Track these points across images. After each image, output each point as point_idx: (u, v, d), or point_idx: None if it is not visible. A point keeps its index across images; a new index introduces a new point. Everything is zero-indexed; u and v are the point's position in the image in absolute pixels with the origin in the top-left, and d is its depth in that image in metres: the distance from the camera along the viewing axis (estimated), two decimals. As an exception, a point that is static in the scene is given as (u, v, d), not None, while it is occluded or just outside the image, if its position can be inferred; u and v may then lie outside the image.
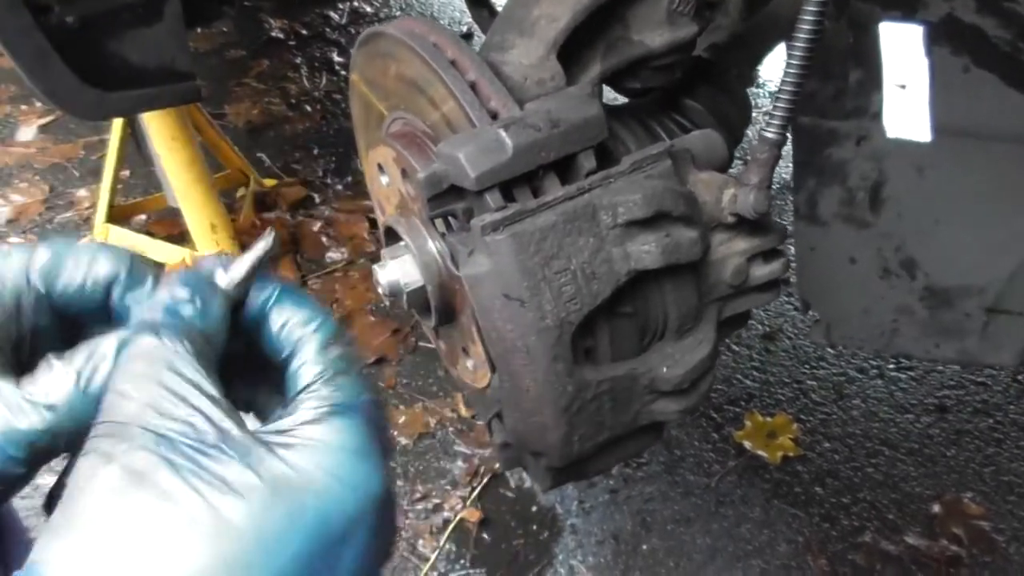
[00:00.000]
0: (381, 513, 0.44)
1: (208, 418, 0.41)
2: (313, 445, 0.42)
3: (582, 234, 0.91)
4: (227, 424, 0.41)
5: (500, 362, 0.96)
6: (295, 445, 0.42)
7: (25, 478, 0.48)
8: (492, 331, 0.93)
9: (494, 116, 0.97)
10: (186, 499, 0.39)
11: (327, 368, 0.47)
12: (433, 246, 1.11)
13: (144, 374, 0.43)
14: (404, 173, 1.11)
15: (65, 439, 0.47)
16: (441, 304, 1.12)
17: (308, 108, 3.30)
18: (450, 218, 1.02)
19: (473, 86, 0.99)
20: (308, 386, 0.46)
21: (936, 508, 1.87)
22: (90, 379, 0.48)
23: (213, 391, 0.42)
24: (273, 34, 3.68)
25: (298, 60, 3.55)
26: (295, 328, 0.49)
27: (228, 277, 0.48)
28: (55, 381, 0.48)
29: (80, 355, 0.49)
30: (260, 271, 0.49)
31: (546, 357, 0.91)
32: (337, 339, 0.48)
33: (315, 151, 3.07)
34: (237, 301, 0.49)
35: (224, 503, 0.39)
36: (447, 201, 0.96)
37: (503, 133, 0.91)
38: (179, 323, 0.45)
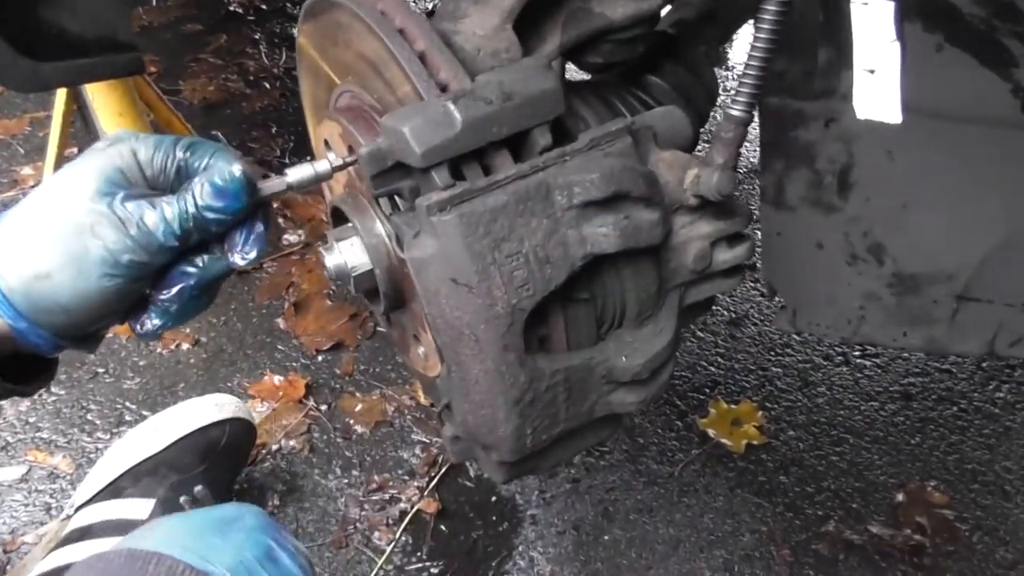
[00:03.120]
0: None
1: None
2: None
3: (535, 215, 0.85)
4: None
5: (448, 351, 0.90)
6: None
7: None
8: (439, 318, 0.88)
9: (444, 88, 0.91)
10: None
11: None
12: (381, 227, 1.05)
13: None
14: (351, 150, 1.05)
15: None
16: (390, 289, 1.06)
17: (267, 85, 3.20)
18: (397, 197, 0.96)
19: (422, 56, 0.93)
20: None
21: (900, 497, 1.85)
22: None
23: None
24: (232, 8, 3.57)
25: (257, 35, 3.44)
26: None
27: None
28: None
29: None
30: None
31: (496, 346, 0.86)
32: None
33: (273, 130, 2.98)
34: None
35: None
36: (392, 179, 0.90)
37: (452, 106, 0.85)
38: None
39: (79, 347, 0.92)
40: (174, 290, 0.87)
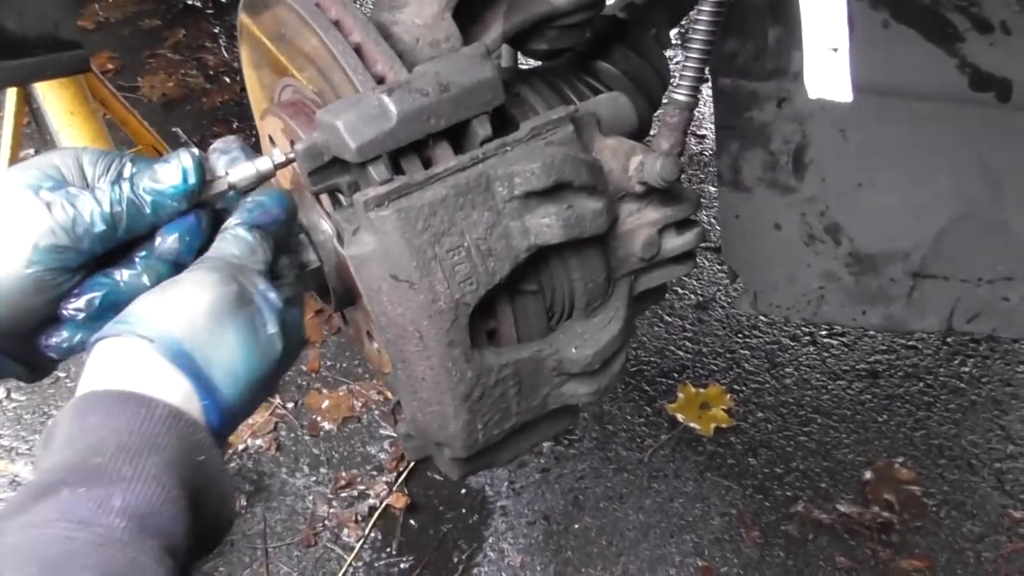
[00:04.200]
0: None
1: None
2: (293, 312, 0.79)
3: (476, 208, 0.84)
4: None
5: (393, 349, 0.89)
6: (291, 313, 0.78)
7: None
8: (382, 316, 0.86)
9: (380, 81, 0.89)
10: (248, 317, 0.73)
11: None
12: (328, 224, 1.03)
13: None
14: (293, 145, 1.03)
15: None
16: (340, 286, 1.04)
17: (227, 80, 3.16)
18: (338, 193, 0.94)
19: (358, 49, 0.91)
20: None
21: (868, 475, 1.86)
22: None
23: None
24: (189, 2, 3.51)
25: (216, 29, 3.40)
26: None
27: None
28: None
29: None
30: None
31: (440, 342, 0.84)
32: None
33: (235, 125, 2.94)
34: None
35: (264, 329, 0.74)
36: (331, 175, 0.88)
37: (387, 99, 0.83)
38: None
39: (18, 371, 0.82)
40: (83, 298, 0.77)
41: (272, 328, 0.74)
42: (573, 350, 0.94)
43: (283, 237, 0.82)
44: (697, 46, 0.93)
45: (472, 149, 0.87)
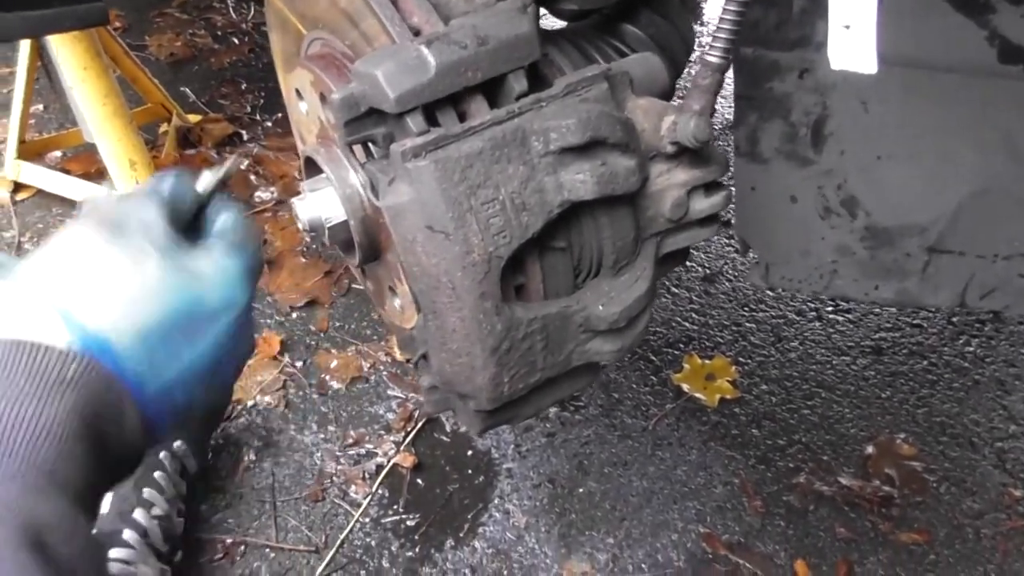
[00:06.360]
0: (241, 318, 0.67)
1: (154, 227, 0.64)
2: (210, 259, 0.65)
3: (511, 161, 0.84)
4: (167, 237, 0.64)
5: (424, 299, 0.90)
6: (200, 257, 0.65)
7: None
8: (415, 266, 0.87)
9: (417, 33, 0.90)
10: (124, 248, 0.61)
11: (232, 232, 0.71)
12: (355, 177, 1.04)
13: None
14: (323, 98, 1.03)
15: None
16: (365, 240, 1.05)
17: (235, 40, 3.14)
18: (371, 145, 0.94)
19: (394, 0, 0.91)
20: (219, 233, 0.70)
21: (870, 449, 1.88)
22: None
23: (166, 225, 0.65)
24: (198, -39, 3.48)
25: (225, -11, 3.37)
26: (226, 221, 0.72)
27: (201, 185, 0.74)
28: None
29: None
30: (220, 187, 0.74)
31: (473, 294, 0.85)
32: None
33: (243, 86, 2.93)
34: (203, 201, 0.73)
35: (145, 259, 0.61)
36: (366, 126, 0.89)
37: (425, 50, 0.84)
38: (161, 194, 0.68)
39: None
40: None
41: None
42: (600, 307, 0.95)
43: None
44: (733, 7, 0.93)
45: (507, 103, 0.87)
